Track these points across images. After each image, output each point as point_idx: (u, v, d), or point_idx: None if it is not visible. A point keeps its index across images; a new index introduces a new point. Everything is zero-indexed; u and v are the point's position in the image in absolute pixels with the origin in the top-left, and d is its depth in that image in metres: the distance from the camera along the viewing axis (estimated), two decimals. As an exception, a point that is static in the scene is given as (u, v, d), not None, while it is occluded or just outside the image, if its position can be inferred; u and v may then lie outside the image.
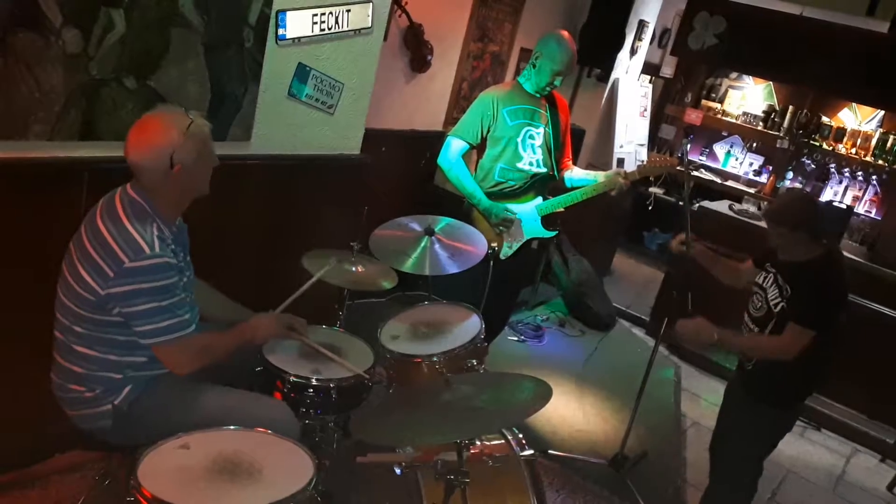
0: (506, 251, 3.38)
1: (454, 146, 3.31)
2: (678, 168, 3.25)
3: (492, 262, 3.10)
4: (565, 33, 3.24)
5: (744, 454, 2.75)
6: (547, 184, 3.43)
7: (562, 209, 3.41)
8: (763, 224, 4.93)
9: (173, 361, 1.93)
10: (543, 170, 3.35)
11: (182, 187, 1.91)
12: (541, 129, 3.31)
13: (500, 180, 3.32)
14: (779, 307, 2.58)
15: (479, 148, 3.36)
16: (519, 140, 3.27)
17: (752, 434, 2.71)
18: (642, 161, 6.11)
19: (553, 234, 3.48)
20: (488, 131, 3.28)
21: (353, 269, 2.68)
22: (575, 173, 3.51)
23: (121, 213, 1.85)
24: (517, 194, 3.36)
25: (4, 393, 2.32)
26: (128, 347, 1.91)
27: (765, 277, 2.69)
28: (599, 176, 3.41)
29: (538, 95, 3.30)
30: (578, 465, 3.38)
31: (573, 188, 3.45)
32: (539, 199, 3.39)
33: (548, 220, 3.42)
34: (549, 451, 3.41)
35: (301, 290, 2.31)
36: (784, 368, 2.54)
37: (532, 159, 3.31)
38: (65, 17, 2.09)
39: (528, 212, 3.37)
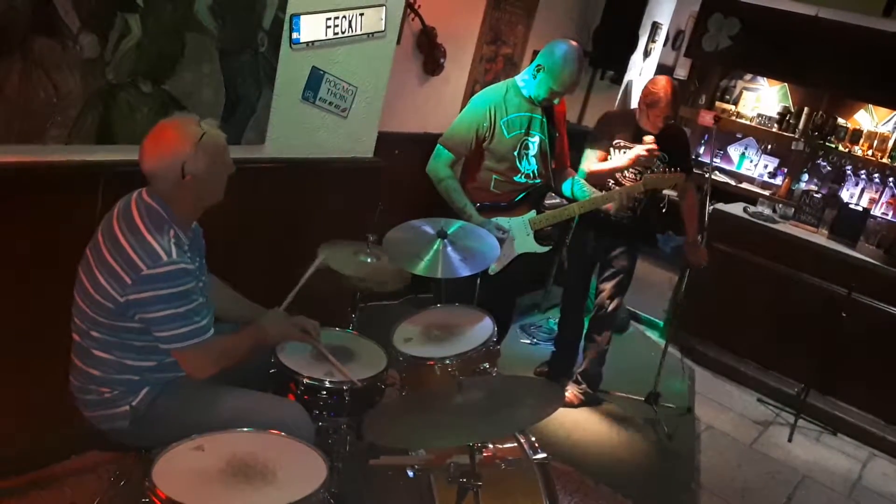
0: (494, 267, 3.19)
1: (444, 158, 3.17)
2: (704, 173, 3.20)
3: (479, 278, 2.98)
4: (574, 46, 3.07)
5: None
6: (543, 195, 3.31)
7: (554, 222, 3.27)
8: (779, 227, 4.91)
9: (192, 366, 1.96)
10: (539, 181, 3.27)
11: (195, 195, 1.93)
12: (536, 139, 3.20)
13: (497, 192, 3.22)
14: None
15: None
16: (516, 153, 3.17)
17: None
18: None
19: (546, 248, 3.31)
20: (483, 140, 3.15)
21: (368, 260, 2.70)
22: (569, 178, 3.42)
23: (138, 220, 1.86)
24: (512, 207, 3.25)
25: (20, 395, 2.35)
26: (145, 352, 1.93)
27: None
28: (594, 190, 3.31)
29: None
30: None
31: (571, 198, 3.39)
32: (533, 213, 3.26)
33: (540, 235, 3.28)
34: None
35: (303, 279, 2.31)
36: None
37: (528, 171, 3.22)
38: (82, 22, 2.12)
39: (521, 226, 3.26)
